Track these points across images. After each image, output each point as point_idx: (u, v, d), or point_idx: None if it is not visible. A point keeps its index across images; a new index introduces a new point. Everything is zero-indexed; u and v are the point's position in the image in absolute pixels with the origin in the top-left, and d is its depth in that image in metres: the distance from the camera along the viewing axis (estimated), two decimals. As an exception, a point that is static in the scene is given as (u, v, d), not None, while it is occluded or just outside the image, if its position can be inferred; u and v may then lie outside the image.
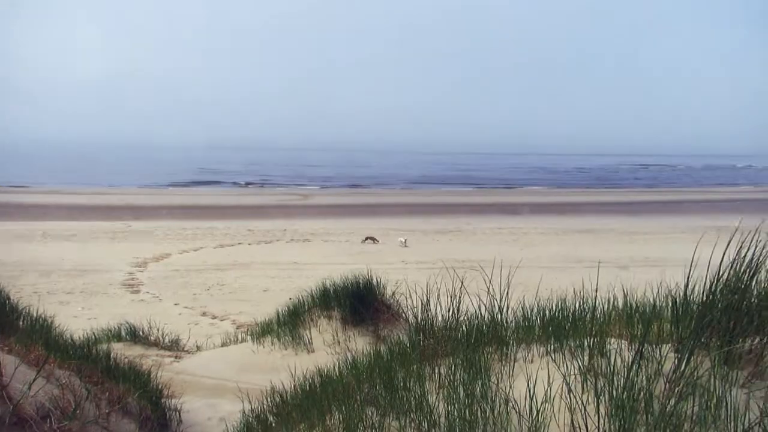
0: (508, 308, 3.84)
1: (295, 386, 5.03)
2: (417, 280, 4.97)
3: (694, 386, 2.50)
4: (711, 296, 2.90)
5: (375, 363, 4.37)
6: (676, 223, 35.20)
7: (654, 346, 2.87)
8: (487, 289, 3.85)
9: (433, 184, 77.74)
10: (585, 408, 2.53)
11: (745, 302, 2.84)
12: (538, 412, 2.66)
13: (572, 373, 2.88)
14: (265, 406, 5.04)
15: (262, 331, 9.05)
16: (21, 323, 6.28)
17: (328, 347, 7.91)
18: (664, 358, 2.75)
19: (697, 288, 3.02)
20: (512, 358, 3.37)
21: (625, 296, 3.88)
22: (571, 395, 2.65)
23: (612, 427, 2.41)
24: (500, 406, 2.82)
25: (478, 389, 3.01)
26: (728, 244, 2.94)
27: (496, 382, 3.07)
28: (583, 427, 2.49)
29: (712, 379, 2.52)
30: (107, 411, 4.07)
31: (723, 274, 2.90)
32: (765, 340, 2.75)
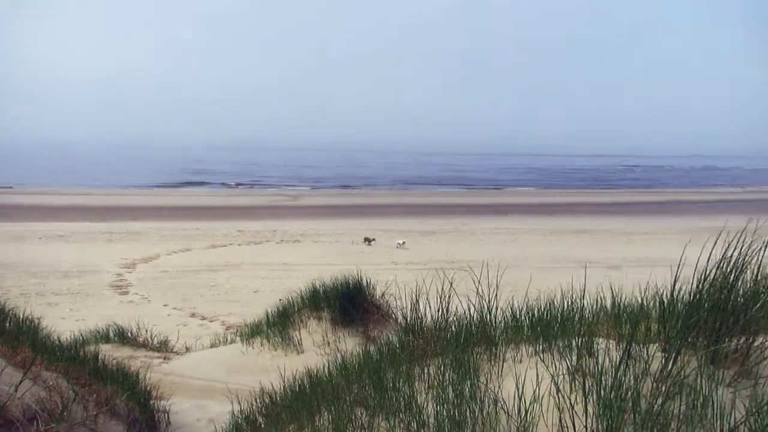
0: (497, 308, 3.86)
1: (284, 387, 5.01)
2: (407, 281, 4.98)
3: (681, 385, 2.52)
4: (698, 296, 2.92)
5: (364, 363, 4.37)
6: (664, 224, 35.45)
7: (641, 346, 2.89)
8: (476, 290, 3.86)
9: (426, 185, 77.89)
10: (573, 407, 2.55)
11: (731, 302, 2.86)
12: (526, 411, 2.67)
13: (560, 372, 2.89)
14: (254, 407, 5.02)
15: (252, 332, 9.03)
16: (8, 325, 6.22)
17: (318, 348, 7.90)
18: (651, 358, 2.77)
19: (684, 288, 3.05)
20: (501, 358, 3.38)
21: (613, 296, 3.90)
22: (560, 395, 2.66)
23: (600, 426, 2.42)
24: (489, 406, 2.83)
25: (467, 389, 3.01)
26: (714, 245, 2.96)
27: (485, 382, 3.08)
28: (571, 426, 2.50)
29: (699, 379, 2.53)
30: (95, 413, 4.04)
31: (709, 274, 2.93)
32: (751, 340, 2.78)
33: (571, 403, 2.57)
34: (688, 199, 58.59)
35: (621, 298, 3.91)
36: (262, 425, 4.68)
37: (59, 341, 6.15)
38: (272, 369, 6.63)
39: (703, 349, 2.77)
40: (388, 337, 5.67)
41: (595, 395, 2.56)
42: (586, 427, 2.48)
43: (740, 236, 2.94)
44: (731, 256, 2.93)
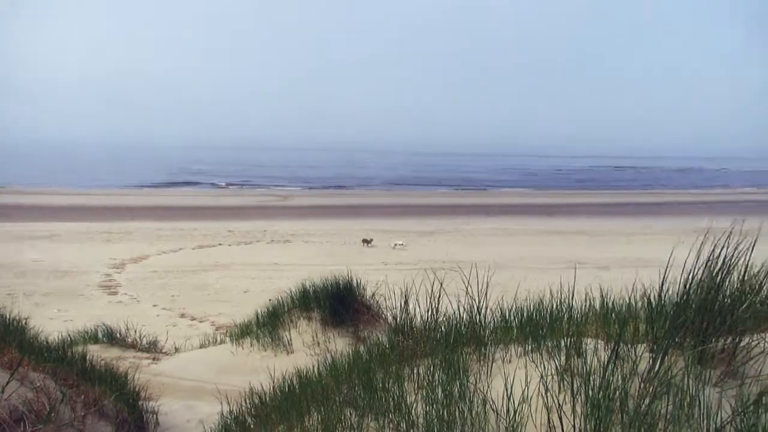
0: (486, 309, 3.87)
1: (274, 387, 5.00)
2: (397, 281, 4.98)
3: (668, 385, 2.53)
4: (685, 297, 2.94)
5: (354, 364, 4.36)
6: (651, 224, 35.66)
7: (629, 346, 2.90)
8: (466, 290, 3.87)
9: (422, 185, 77.82)
10: (561, 407, 2.56)
11: (718, 303, 2.89)
12: (515, 411, 2.68)
13: (549, 373, 2.90)
14: (243, 408, 5.01)
15: (242, 333, 9.00)
16: (-6, 325, 6.17)
17: (308, 348, 7.89)
18: (639, 358, 2.78)
19: (672, 288, 3.07)
20: (490, 358, 3.39)
21: (602, 297, 3.92)
22: (548, 395, 2.67)
23: (588, 426, 2.43)
24: (478, 407, 2.84)
25: (456, 389, 3.02)
26: (701, 246, 2.99)
27: (474, 382, 3.08)
28: (560, 426, 2.51)
29: (686, 379, 2.55)
30: (83, 414, 4.02)
31: (697, 275, 2.95)
32: (737, 340, 2.80)
33: (559, 403, 2.58)
34: (673, 200, 58.98)
35: (609, 299, 3.93)
36: (252, 426, 4.67)
37: (47, 342, 6.10)
38: (262, 369, 6.62)
39: (690, 349, 2.79)
40: (378, 338, 5.67)
41: (583, 395, 2.57)
42: (574, 426, 2.49)
43: (727, 237, 2.97)
44: (718, 256, 2.95)
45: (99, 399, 4.40)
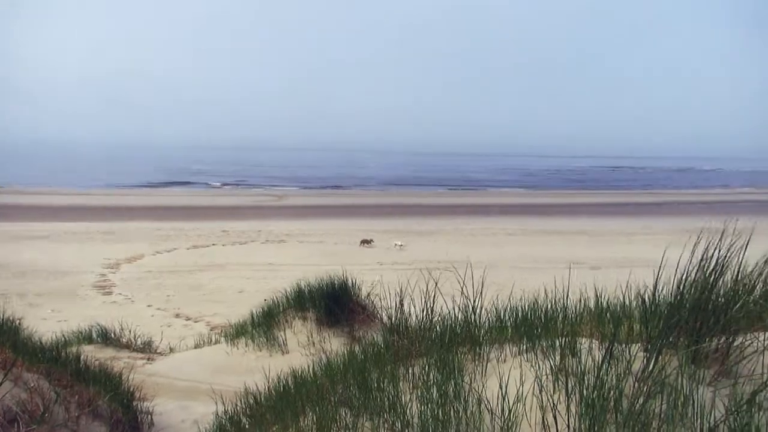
0: (481, 309, 3.87)
1: (269, 387, 5.00)
2: (393, 281, 4.98)
3: (662, 385, 2.54)
4: (679, 296, 2.95)
5: (349, 364, 4.36)
6: (649, 225, 35.77)
7: (624, 346, 2.91)
8: (461, 290, 3.87)
9: (419, 186, 77.67)
10: (556, 407, 2.56)
11: (711, 302, 2.90)
12: (510, 411, 2.69)
13: (544, 372, 2.91)
14: (238, 408, 5.00)
15: (237, 333, 8.99)
16: (-12, 326, 6.15)
17: (303, 348, 7.88)
18: (633, 358, 2.79)
19: (666, 288, 3.08)
20: (485, 358, 3.39)
21: (596, 296, 3.93)
22: (543, 394, 2.68)
23: (582, 425, 2.44)
24: (473, 406, 2.84)
25: (451, 389, 3.02)
26: (695, 245, 3.00)
27: (469, 382, 3.09)
28: (554, 425, 2.52)
29: (680, 378, 2.56)
30: (77, 414, 4.01)
31: (690, 275, 2.96)
32: (730, 340, 2.81)
33: (554, 403, 2.59)
34: (668, 200, 59.18)
35: (604, 299, 3.94)
36: (247, 426, 4.66)
37: (41, 342, 6.07)
38: (257, 369, 6.61)
39: (684, 348, 2.80)
40: (374, 337, 5.67)
41: (577, 394, 2.58)
42: (568, 426, 2.50)
43: (720, 237, 2.98)
44: (711, 256, 2.96)
45: (93, 399, 4.39)
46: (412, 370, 3.47)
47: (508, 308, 4.06)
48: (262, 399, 4.90)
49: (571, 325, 3.57)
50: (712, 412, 2.39)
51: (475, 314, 3.83)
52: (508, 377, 2.89)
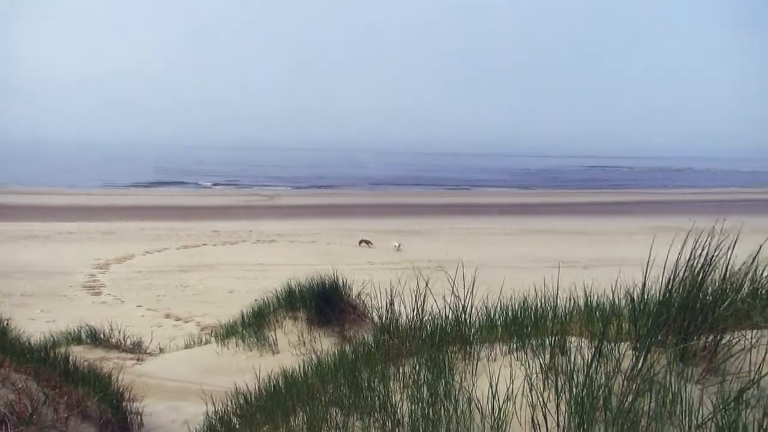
0: (472, 308, 3.88)
1: (259, 387, 4.99)
2: (383, 281, 4.98)
3: (650, 383, 2.56)
4: (667, 295, 2.97)
5: (340, 363, 4.36)
6: (635, 224, 35.96)
7: (613, 344, 2.93)
8: (451, 289, 3.88)
9: (415, 185, 77.56)
10: (546, 405, 2.57)
11: (699, 301, 2.92)
12: (500, 410, 2.70)
13: (534, 371, 2.92)
14: (228, 408, 4.99)
15: (227, 333, 8.96)
16: (-25, 326, 6.11)
17: (294, 348, 7.87)
18: (622, 356, 2.81)
19: (654, 287, 3.10)
20: (475, 357, 3.40)
21: (585, 295, 3.95)
22: (533, 393, 2.69)
23: (572, 423, 2.45)
24: (463, 405, 2.85)
25: (441, 388, 3.03)
26: (684, 244, 3.02)
27: (459, 381, 3.09)
28: (544, 423, 2.53)
29: (668, 376, 2.58)
30: (65, 415, 3.98)
31: (679, 274, 2.98)
32: (718, 338, 2.83)
33: (544, 401, 2.60)
34: (654, 199, 59.56)
35: (593, 297, 3.96)
36: (237, 426, 4.65)
37: (29, 343, 6.04)
38: (247, 369, 6.60)
39: (672, 347, 2.82)
40: (364, 337, 5.67)
41: (567, 393, 2.59)
42: (558, 424, 2.51)
43: (708, 236, 3.00)
44: (699, 255, 2.98)
45: (82, 400, 4.37)
46: (403, 369, 3.47)
47: (499, 307, 4.08)
48: (253, 399, 4.89)
49: (560, 324, 3.59)
50: (700, 409, 2.41)
51: (465, 313, 3.84)
52: (498, 376, 2.90)
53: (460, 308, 3.85)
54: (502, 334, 3.66)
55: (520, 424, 2.65)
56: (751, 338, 2.83)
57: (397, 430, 2.97)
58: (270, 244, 27.74)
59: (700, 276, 2.93)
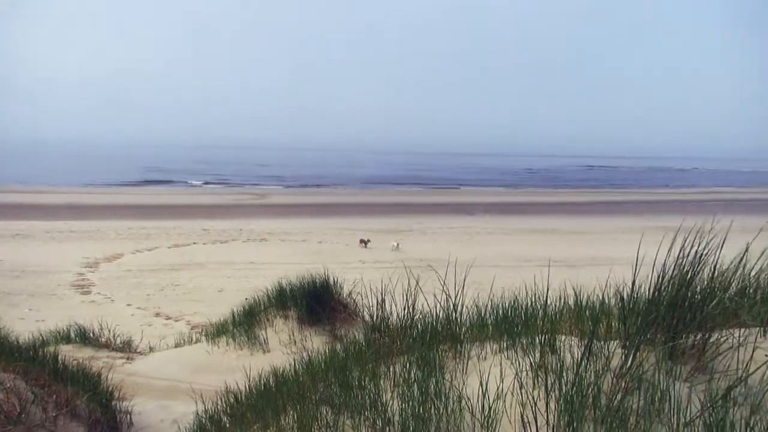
0: (462, 307, 3.89)
1: (249, 386, 4.98)
2: (374, 280, 4.98)
3: (639, 381, 2.57)
4: (656, 293, 2.99)
5: (330, 362, 4.36)
6: (630, 223, 36.13)
7: (602, 343, 2.94)
8: (442, 288, 3.89)
9: (413, 185, 77.38)
10: (536, 403, 2.58)
11: (688, 299, 2.94)
12: (490, 408, 2.70)
13: (524, 369, 2.93)
14: (219, 407, 4.98)
15: (217, 332, 8.93)
16: (-37, 325, 6.06)
17: (284, 347, 7.86)
18: (611, 354, 2.82)
19: (644, 285, 3.11)
20: (466, 355, 3.41)
21: (575, 294, 3.97)
22: (523, 391, 2.70)
23: (561, 421, 2.46)
24: (453, 403, 2.85)
25: (432, 387, 3.03)
26: (672, 243, 3.04)
27: (450, 379, 3.10)
28: (533, 422, 2.54)
29: (657, 374, 2.60)
30: (54, 414, 3.96)
31: (667, 272, 3.00)
32: (707, 336, 2.85)
33: (533, 399, 2.61)
34: (647, 199, 59.91)
35: (583, 296, 3.98)
36: (227, 425, 4.64)
37: (17, 342, 6.00)
38: (238, 368, 6.58)
39: (661, 345, 2.84)
40: (355, 336, 5.67)
41: (557, 391, 2.60)
42: (548, 422, 2.52)
43: (697, 235, 3.02)
44: (688, 254, 3.00)
45: (71, 399, 4.34)
46: (393, 368, 3.47)
47: (489, 306, 4.09)
48: (243, 398, 4.88)
49: (550, 322, 3.60)
50: (689, 407, 2.42)
51: (456, 312, 3.84)
52: (489, 375, 2.91)
53: (451, 307, 3.86)
54: (493, 332, 3.67)
55: (510, 423, 2.66)
56: (739, 336, 2.85)
57: (387, 428, 2.97)
58: (261, 243, 27.68)
59: (689, 275, 2.95)
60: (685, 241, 3.01)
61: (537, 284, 3.91)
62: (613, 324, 3.29)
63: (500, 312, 4.01)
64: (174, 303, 16.99)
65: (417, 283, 4.01)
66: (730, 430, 2.26)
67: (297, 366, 4.98)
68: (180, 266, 22.10)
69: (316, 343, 7.73)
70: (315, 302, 8.14)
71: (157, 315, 15.76)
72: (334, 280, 8.37)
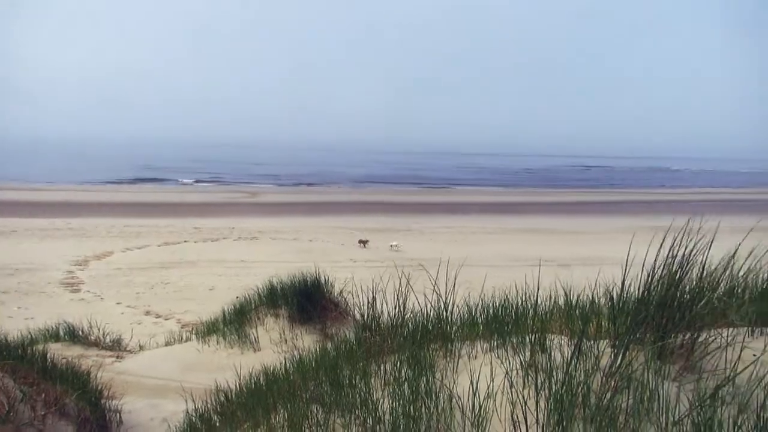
0: (453, 306, 3.89)
1: (240, 385, 4.97)
2: (365, 279, 4.98)
3: (629, 380, 2.59)
4: (646, 293, 3.00)
5: (321, 361, 4.36)
6: (622, 223, 36.29)
7: (592, 342, 2.96)
8: (433, 288, 3.89)
9: (408, 184, 77.30)
10: (526, 402, 2.59)
11: (677, 299, 2.95)
12: (480, 407, 2.71)
13: (514, 368, 2.94)
14: (209, 406, 4.96)
15: (208, 330, 8.91)
16: (-49, 323, 6.01)
17: (275, 346, 7.85)
18: (601, 354, 2.84)
19: (633, 285, 3.13)
20: (457, 354, 3.41)
21: (565, 294, 3.98)
22: (513, 390, 2.71)
23: (551, 420, 2.47)
24: (444, 402, 2.86)
25: (422, 386, 3.03)
26: (662, 243, 3.05)
27: (440, 378, 3.11)
28: (523, 420, 2.54)
29: (646, 373, 2.61)
30: (43, 413, 3.94)
31: (657, 272, 3.01)
32: (695, 336, 2.87)
33: (523, 398, 2.62)
34: (636, 199, 60.19)
35: (573, 296, 3.99)
36: (217, 423, 4.63)
37: (6, 340, 5.95)
38: (228, 367, 6.57)
39: (650, 344, 2.85)
40: (346, 334, 5.67)
41: (547, 390, 2.61)
42: (537, 421, 2.53)
43: (687, 235, 3.04)
44: (677, 254, 3.02)
45: (60, 398, 4.32)
46: (384, 366, 3.47)
47: (480, 305, 4.10)
48: (233, 396, 4.87)
49: (541, 322, 3.61)
50: (677, 406, 2.44)
51: (447, 311, 3.85)
52: (479, 373, 2.92)
53: (442, 306, 3.86)
54: (483, 331, 3.68)
55: (500, 421, 2.67)
56: (727, 336, 2.87)
57: (378, 427, 2.97)
58: (252, 241, 27.62)
59: (678, 275, 2.97)
60: (675, 241, 3.03)
61: (528, 284, 3.93)
62: (602, 323, 3.30)
63: (491, 311, 4.02)
64: (164, 301, 16.93)
65: (408, 281, 4.01)
66: (718, 428, 2.28)
67: (288, 364, 4.97)
68: (170, 264, 22.02)
69: (307, 341, 7.72)
70: (306, 301, 8.13)
71: (147, 313, 15.70)
72: (325, 278, 8.36)
